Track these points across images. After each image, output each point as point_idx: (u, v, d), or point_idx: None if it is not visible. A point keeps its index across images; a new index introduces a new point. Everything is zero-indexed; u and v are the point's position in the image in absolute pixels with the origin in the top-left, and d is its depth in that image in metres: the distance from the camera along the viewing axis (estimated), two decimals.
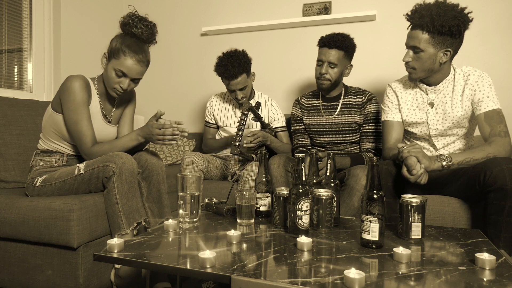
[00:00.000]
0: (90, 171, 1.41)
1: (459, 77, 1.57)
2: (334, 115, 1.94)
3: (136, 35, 1.51)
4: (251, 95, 2.23)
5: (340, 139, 1.95)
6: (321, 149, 1.98)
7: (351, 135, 1.94)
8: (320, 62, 1.86)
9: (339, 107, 1.93)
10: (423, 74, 1.56)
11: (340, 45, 1.80)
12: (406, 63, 1.56)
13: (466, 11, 1.44)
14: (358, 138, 1.95)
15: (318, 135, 2.00)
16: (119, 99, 1.68)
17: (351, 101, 1.93)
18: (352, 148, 1.97)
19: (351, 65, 1.91)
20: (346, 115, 1.92)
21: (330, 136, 1.97)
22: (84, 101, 1.48)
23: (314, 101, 2.01)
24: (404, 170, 1.35)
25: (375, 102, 1.90)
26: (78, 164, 1.46)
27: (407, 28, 1.53)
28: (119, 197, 1.36)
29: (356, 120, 1.91)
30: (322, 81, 1.87)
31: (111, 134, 1.65)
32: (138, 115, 1.85)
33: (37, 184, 1.47)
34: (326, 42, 1.83)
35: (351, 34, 1.92)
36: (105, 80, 1.54)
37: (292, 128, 2.10)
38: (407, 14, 1.51)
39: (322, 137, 1.99)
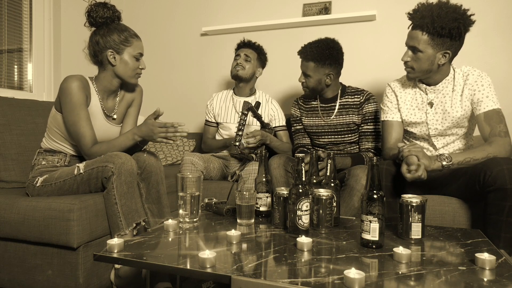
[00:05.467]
0: (89, 171, 1.41)
1: (458, 77, 1.57)
2: (332, 117, 1.94)
3: (114, 18, 1.54)
4: (252, 92, 2.24)
5: (339, 139, 1.95)
6: (323, 150, 1.98)
7: (349, 135, 1.94)
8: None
9: (337, 108, 1.93)
10: (420, 75, 1.56)
11: (313, 57, 1.81)
12: (405, 63, 1.56)
13: (468, 13, 1.43)
14: (357, 138, 1.95)
15: (317, 136, 2.00)
16: (122, 96, 1.68)
17: (348, 101, 1.93)
18: (352, 148, 1.97)
19: (332, 74, 1.85)
20: (344, 116, 1.92)
21: (329, 137, 1.97)
22: (81, 101, 1.47)
23: (312, 102, 2.01)
24: (404, 168, 1.34)
25: (373, 101, 1.90)
26: (78, 164, 1.46)
27: (408, 27, 1.53)
28: (118, 198, 1.36)
29: (354, 120, 1.91)
30: (303, 88, 1.94)
31: (114, 134, 1.64)
32: (140, 115, 1.85)
33: (37, 184, 1.47)
34: (301, 53, 1.87)
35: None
36: (123, 72, 1.56)
37: (292, 128, 2.11)
38: (408, 13, 1.50)
39: (321, 138, 1.99)
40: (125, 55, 1.54)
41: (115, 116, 1.65)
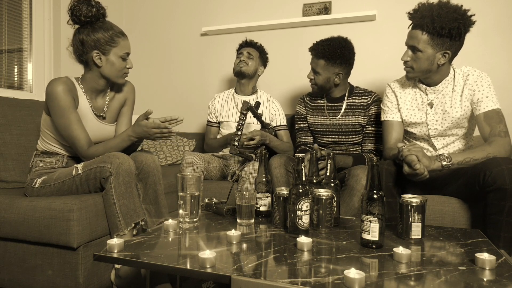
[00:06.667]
0: (87, 171, 1.41)
1: (458, 77, 1.57)
2: (338, 117, 1.93)
3: (98, 16, 1.47)
4: (254, 91, 2.25)
5: (342, 139, 1.95)
6: (322, 148, 1.97)
7: (353, 136, 1.94)
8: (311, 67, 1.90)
9: (343, 108, 1.93)
10: (420, 74, 1.56)
11: (324, 55, 1.81)
12: (405, 62, 1.56)
13: (469, 13, 1.43)
14: (360, 139, 1.95)
15: (321, 135, 2.00)
16: (113, 95, 1.66)
17: (355, 102, 1.92)
18: (354, 148, 1.97)
19: (341, 73, 1.85)
20: (350, 116, 1.92)
21: (333, 136, 1.96)
22: (68, 105, 1.45)
23: (319, 101, 2.01)
24: (406, 167, 1.35)
25: (380, 103, 1.89)
26: (76, 165, 1.46)
27: (408, 27, 1.53)
28: (116, 198, 1.36)
29: (360, 121, 1.91)
30: (311, 85, 1.93)
31: (108, 133, 1.62)
32: (136, 114, 1.84)
33: (36, 186, 1.47)
34: (312, 50, 1.86)
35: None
36: (110, 73, 1.52)
37: (296, 126, 2.10)
38: (409, 13, 1.51)
39: (324, 137, 1.99)
40: (111, 56, 1.49)
41: (105, 116, 1.63)
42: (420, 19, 1.45)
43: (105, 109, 1.62)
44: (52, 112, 1.46)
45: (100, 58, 1.48)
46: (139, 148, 1.65)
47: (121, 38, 1.50)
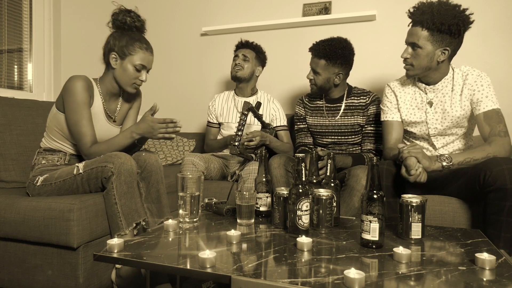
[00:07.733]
0: (88, 171, 1.41)
1: (457, 76, 1.57)
2: (337, 117, 1.93)
3: (132, 26, 1.56)
4: (253, 92, 2.24)
5: (342, 140, 1.95)
6: (322, 148, 1.97)
7: (353, 136, 1.94)
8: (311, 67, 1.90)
9: (342, 108, 1.93)
10: (420, 72, 1.56)
11: (325, 54, 1.80)
12: (404, 60, 1.57)
13: (467, 12, 1.44)
14: (360, 140, 1.95)
15: (320, 135, 2.00)
16: (124, 99, 1.69)
17: (354, 102, 1.92)
18: (354, 149, 1.97)
19: (341, 73, 1.85)
20: (349, 117, 1.92)
21: (332, 137, 1.96)
22: (84, 101, 1.48)
23: (318, 102, 2.01)
24: (403, 170, 1.35)
25: (379, 103, 1.89)
26: (77, 164, 1.46)
27: (408, 25, 1.54)
28: (118, 198, 1.36)
29: (359, 121, 1.91)
30: (310, 85, 1.92)
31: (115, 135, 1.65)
32: (140, 116, 1.86)
33: (38, 184, 1.47)
34: (312, 50, 1.85)
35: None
36: (120, 78, 1.55)
37: (295, 126, 2.10)
38: (408, 11, 1.52)
39: (324, 138, 1.99)
40: (126, 62, 1.53)
41: (116, 118, 1.66)
42: (420, 15, 1.46)
43: (117, 111, 1.66)
44: (67, 107, 1.49)
45: (116, 61, 1.53)
46: (142, 148, 1.66)
47: (142, 50, 1.54)
